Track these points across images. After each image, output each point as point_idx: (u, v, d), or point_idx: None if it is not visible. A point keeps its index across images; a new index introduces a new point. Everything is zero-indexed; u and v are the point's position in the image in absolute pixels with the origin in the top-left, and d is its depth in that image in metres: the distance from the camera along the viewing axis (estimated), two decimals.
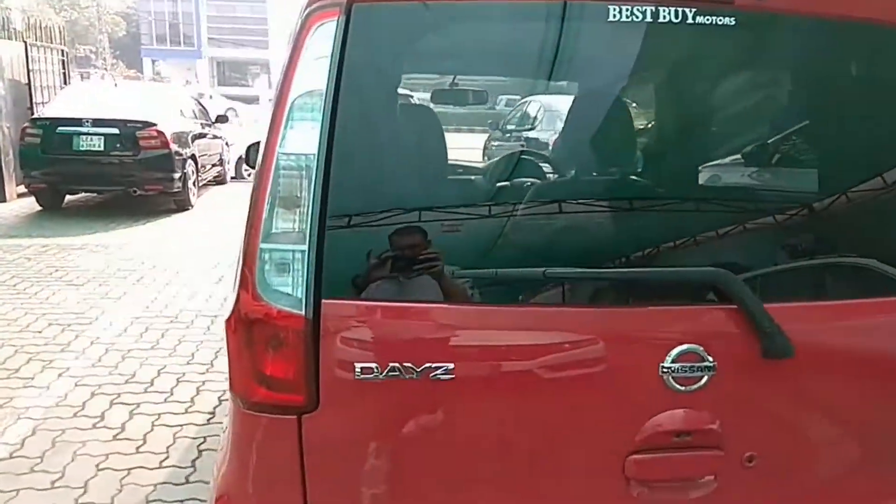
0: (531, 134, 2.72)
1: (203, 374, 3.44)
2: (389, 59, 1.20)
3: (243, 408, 1.16)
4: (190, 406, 3.07)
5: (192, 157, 8.55)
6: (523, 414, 1.17)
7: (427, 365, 1.11)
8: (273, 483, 1.16)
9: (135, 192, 7.68)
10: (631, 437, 1.17)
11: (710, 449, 1.20)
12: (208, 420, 2.95)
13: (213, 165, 10.18)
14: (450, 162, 1.47)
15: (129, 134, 7.53)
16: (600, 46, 1.26)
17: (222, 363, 3.07)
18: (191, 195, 8.46)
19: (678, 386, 1.16)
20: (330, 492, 1.15)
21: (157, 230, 7.22)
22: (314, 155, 1.11)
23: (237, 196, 10.27)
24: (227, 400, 2.75)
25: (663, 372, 1.16)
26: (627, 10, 1.15)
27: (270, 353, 1.10)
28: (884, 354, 1.28)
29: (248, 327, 1.11)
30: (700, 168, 1.39)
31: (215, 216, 8.07)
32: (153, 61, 40.87)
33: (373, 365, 1.11)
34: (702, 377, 1.16)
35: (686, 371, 1.16)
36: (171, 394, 3.20)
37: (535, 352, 1.17)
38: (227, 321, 1.17)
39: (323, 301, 1.09)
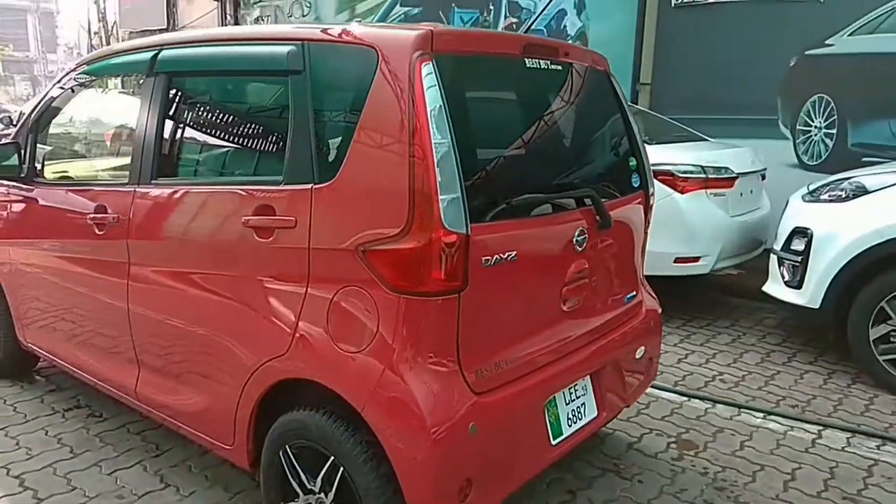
0: None
1: None
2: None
3: (413, 297, 1.83)
4: None
5: None
6: (540, 287, 2.18)
7: (509, 253, 2.01)
8: (441, 340, 1.89)
9: None
10: (564, 278, 2.29)
11: (586, 278, 2.41)
12: None
13: None
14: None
15: None
16: None
17: None
18: None
19: (576, 249, 2.33)
20: (470, 337, 1.92)
21: None
22: (450, 143, 1.85)
23: None
24: None
25: (574, 242, 2.31)
26: None
27: (448, 258, 1.82)
28: (631, 222, 2.60)
29: (437, 246, 1.79)
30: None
31: None
32: None
33: (489, 257, 1.95)
34: (585, 241, 2.36)
35: (579, 239, 2.33)
36: None
37: (527, 247, 2.11)
38: (402, 251, 1.82)
39: (470, 225, 1.87)
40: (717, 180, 4.78)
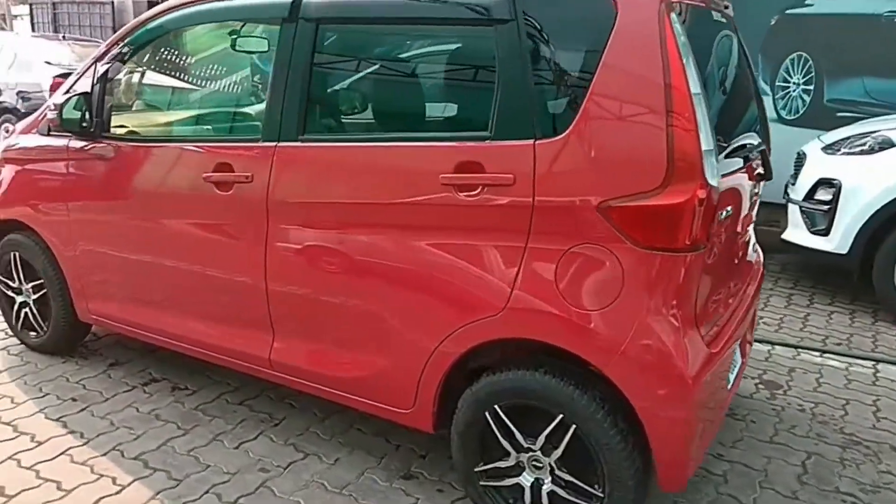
0: None
1: None
2: None
3: (665, 254, 1.82)
4: None
5: None
6: (733, 241, 2.25)
7: (729, 207, 2.05)
8: (685, 296, 1.90)
9: None
10: (742, 231, 2.36)
11: (748, 231, 2.49)
12: None
13: None
14: None
15: None
16: None
17: None
18: None
19: (752, 201, 2.41)
20: (702, 291, 1.97)
21: None
22: (702, 95, 1.84)
23: None
24: None
25: (751, 195, 2.38)
26: None
27: (704, 212, 1.82)
28: None
29: (697, 200, 1.79)
30: None
31: None
32: None
33: (721, 212, 1.97)
34: (755, 194, 2.43)
35: (754, 192, 2.41)
36: None
37: (736, 201, 2.18)
38: (659, 207, 1.80)
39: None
40: None
